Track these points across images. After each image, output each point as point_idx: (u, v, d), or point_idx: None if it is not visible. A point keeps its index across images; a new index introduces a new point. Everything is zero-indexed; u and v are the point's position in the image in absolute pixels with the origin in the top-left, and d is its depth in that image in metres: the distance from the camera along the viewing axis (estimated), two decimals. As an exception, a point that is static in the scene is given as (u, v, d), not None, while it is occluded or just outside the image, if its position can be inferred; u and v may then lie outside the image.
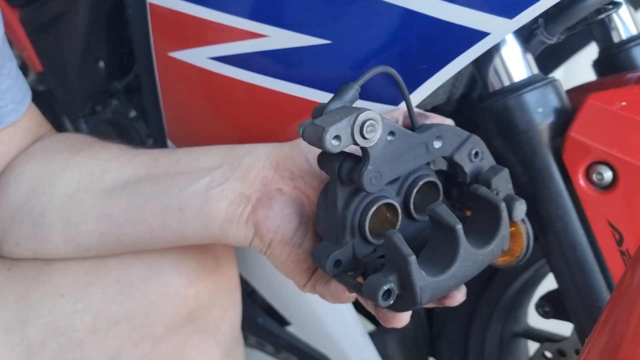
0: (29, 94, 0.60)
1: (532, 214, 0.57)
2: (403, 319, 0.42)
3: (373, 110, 0.38)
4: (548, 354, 0.69)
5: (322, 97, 0.55)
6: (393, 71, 0.42)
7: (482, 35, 0.46)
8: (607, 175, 0.50)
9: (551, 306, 0.66)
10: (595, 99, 0.52)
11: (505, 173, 0.45)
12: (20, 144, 0.60)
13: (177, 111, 0.71)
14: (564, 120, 0.54)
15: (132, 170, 0.54)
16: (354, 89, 0.42)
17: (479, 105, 0.57)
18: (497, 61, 0.55)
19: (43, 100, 1.24)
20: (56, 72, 1.12)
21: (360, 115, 0.37)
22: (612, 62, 0.70)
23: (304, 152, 0.47)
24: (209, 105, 0.65)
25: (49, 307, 0.56)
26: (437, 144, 0.43)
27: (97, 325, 0.56)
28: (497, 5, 0.45)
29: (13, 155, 0.59)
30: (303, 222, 0.48)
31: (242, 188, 0.48)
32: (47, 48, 1.11)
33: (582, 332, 0.57)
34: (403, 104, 0.51)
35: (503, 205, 0.41)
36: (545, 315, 0.67)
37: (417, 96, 0.51)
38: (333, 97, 0.41)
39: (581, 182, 0.52)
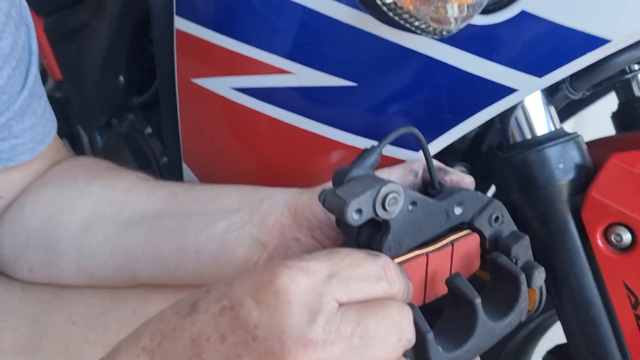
0: (52, 132, 0.59)
1: (547, 269, 0.56)
2: None
3: (396, 183, 0.38)
4: (551, 408, 0.68)
5: (344, 137, 0.55)
6: (417, 132, 0.43)
7: (509, 91, 0.46)
8: (626, 237, 0.50)
9: (559, 362, 0.65)
10: (618, 159, 0.51)
11: (525, 241, 0.45)
12: (38, 171, 0.59)
13: (195, 136, 0.71)
14: (584, 177, 0.53)
15: (151, 204, 0.54)
16: (376, 152, 0.42)
17: (499, 155, 0.56)
18: (519, 113, 0.55)
19: (59, 107, 1.25)
20: (75, 81, 1.13)
21: (383, 188, 0.37)
22: (631, 116, 0.70)
23: None
24: (228, 134, 0.65)
25: (60, 334, 0.55)
26: (457, 211, 0.43)
27: None
28: (527, 63, 0.45)
29: (29, 182, 0.59)
30: None
31: (260, 234, 0.48)
32: (68, 57, 1.12)
33: (590, 392, 0.56)
34: (414, 154, 0.51)
35: (523, 277, 0.41)
36: (552, 370, 0.66)
37: (437, 145, 0.51)
38: (354, 162, 0.41)
39: (599, 242, 0.51)
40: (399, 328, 0.33)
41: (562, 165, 0.53)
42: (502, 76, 0.46)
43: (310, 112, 0.56)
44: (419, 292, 0.41)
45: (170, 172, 0.79)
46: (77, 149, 1.21)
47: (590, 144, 0.63)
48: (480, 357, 0.79)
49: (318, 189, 0.48)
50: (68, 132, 1.27)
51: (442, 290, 0.42)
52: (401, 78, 0.50)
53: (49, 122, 0.59)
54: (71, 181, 0.58)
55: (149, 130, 0.98)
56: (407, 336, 0.34)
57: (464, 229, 0.44)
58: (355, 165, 0.40)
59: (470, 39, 0.45)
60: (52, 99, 1.28)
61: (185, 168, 0.76)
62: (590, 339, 0.54)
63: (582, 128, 0.73)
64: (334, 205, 0.37)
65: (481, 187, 0.73)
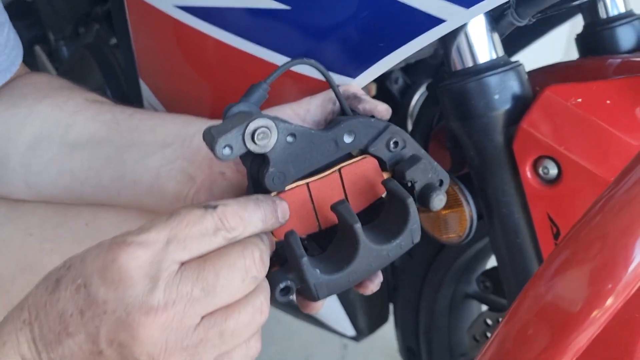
0: (17, 60, 0.58)
1: (481, 196, 0.57)
2: (316, 306, 0.44)
3: (266, 117, 0.38)
4: (489, 321, 0.72)
5: (281, 60, 0.54)
6: (315, 63, 0.42)
7: (437, 21, 0.45)
8: (553, 170, 0.50)
9: (491, 282, 0.68)
10: (552, 91, 0.51)
11: (422, 164, 0.44)
12: None
13: (148, 53, 0.70)
14: (521, 107, 0.53)
15: (96, 129, 0.54)
16: (262, 88, 0.42)
17: (440, 83, 0.56)
18: (462, 39, 0.53)
19: (31, 11, 1.22)
20: (42, -15, 1.09)
21: (251, 123, 0.38)
22: (595, 40, 0.67)
23: None
24: (176, 53, 0.64)
25: (17, 244, 0.57)
26: (347, 139, 0.43)
27: None
28: (454, -7, 0.43)
29: None
30: None
31: (189, 169, 0.49)
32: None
33: (514, 312, 0.59)
34: (351, 80, 0.51)
35: (410, 200, 0.41)
36: (484, 290, 0.69)
37: (369, 75, 0.50)
38: (241, 99, 0.41)
39: (528, 173, 0.52)
40: (241, 270, 0.35)
41: (498, 95, 0.52)
42: (429, 5, 0.44)
43: (249, 34, 0.55)
44: (310, 220, 0.43)
45: (129, 89, 0.79)
46: (51, 55, 1.19)
47: (538, 71, 0.62)
48: (432, 269, 0.81)
49: None
50: (40, 36, 1.24)
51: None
52: (333, 4, 0.48)
53: (14, 50, 0.58)
54: (20, 99, 0.58)
55: (114, 40, 0.96)
56: (253, 274, 0.36)
57: (364, 155, 0.44)
58: (240, 101, 0.41)
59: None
60: (22, 2, 1.24)
61: (143, 85, 0.75)
62: (516, 264, 0.56)
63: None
64: (208, 142, 0.38)
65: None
